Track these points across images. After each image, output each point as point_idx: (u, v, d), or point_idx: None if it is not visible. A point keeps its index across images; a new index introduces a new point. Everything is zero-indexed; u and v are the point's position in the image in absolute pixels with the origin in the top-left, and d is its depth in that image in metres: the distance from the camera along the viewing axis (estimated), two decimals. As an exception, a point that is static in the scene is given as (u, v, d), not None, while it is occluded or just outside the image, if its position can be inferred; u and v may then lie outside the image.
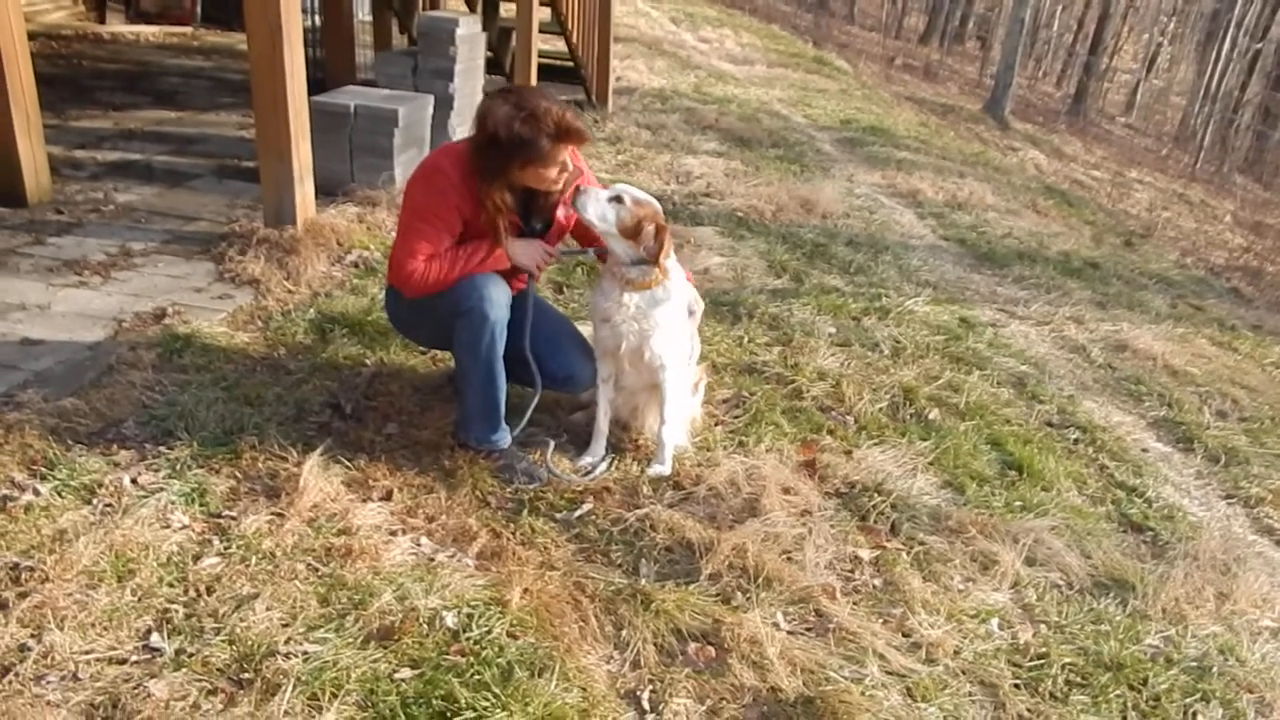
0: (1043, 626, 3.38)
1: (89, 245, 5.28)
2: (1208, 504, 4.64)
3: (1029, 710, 2.99)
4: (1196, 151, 27.16)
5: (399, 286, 3.61)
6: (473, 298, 3.48)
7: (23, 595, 2.75)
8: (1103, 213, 12.66)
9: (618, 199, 3.59)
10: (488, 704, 2.59)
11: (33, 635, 2.65)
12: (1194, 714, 3.12)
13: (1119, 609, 3.55)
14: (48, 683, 2.52)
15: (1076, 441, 4.86)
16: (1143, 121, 35.48)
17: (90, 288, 4.81)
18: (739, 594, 3.24)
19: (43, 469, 3.32)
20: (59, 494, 3.21)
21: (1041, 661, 3.19)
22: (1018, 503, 4.10)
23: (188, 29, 12.04)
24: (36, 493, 3.20)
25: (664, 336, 3.73)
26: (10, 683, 2.50)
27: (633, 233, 3.60)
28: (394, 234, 3.91)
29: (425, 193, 3.53)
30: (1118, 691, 3.12)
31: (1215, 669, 3.34)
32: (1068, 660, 3.21)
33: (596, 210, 3.58)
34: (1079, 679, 3.16)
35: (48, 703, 2.46)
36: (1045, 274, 7.78)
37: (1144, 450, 5.02)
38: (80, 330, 4.37)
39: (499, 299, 3.50)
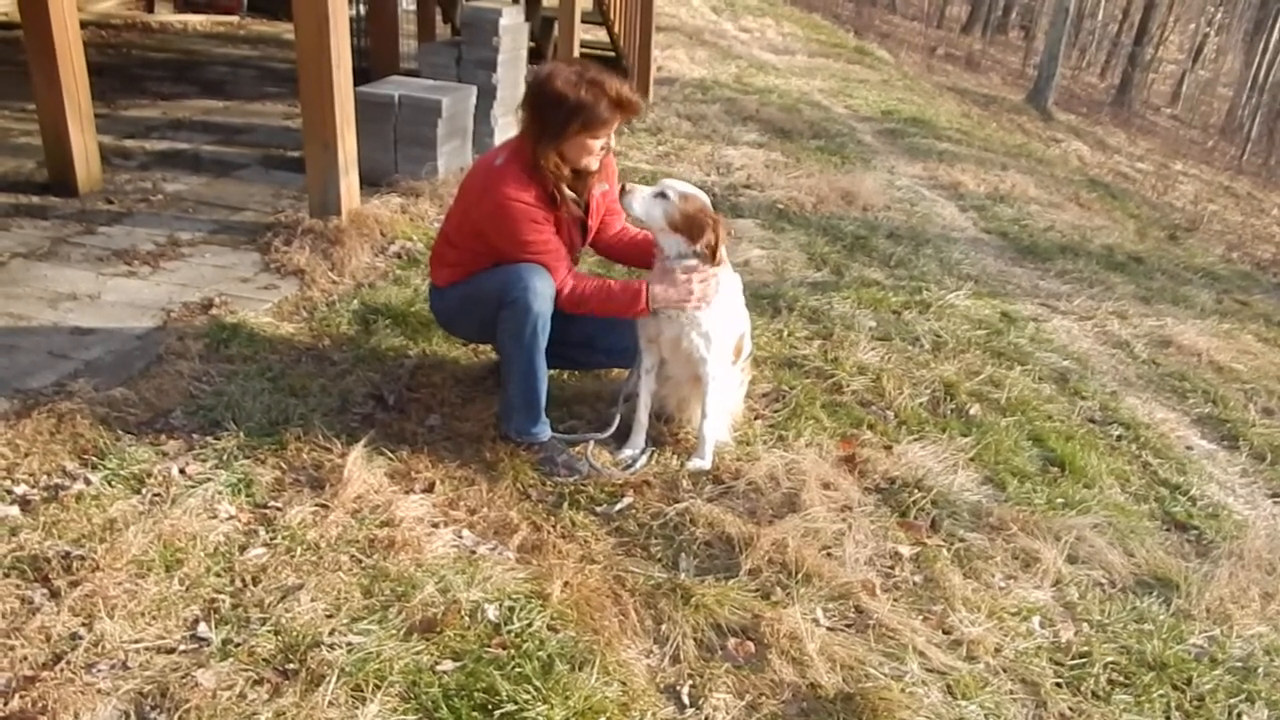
0: (1085, 625, 3.35)
1: (138, 235, 5.36)
2: (1253, 502, 4.58)
3: (1071, 709, 2.97)
4: (1243, 144, 26.82)
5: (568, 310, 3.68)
6: (518, 288, 3.50)
7: (74, 584, 2.80)
8: (1147, 206, 12.52)
9: (662, 194, 3.59)
10: (529, 697, 2.61)
11: (84, 624, 2.69)
12: (1239, 715, 3.09)
13: (1162, 608, 3.51)
14: (98, 671, 2.57)
15: (1119, 438, 4.81)
16: (1188, 113, 35.05)
17: (139, 277, 4.88)
18: (778, 589, 3.23)
19: (93, 458, 3.38)
20: (109, 483, 3.26)
21: (1083, 660, 3.17)
22: (1059, 500, 4.06)
23: (235, 18, 12.15)
24: (87, 482, 3.26)
25: (704, 329, 3.72)
26: (62, 670, 2.54)
27: (681, 226, 3.60)
28: (440, 228, 3.92)
29: (516, 224, 3.54)
30: (1161, 691, 3.10)
31: (1261, 669, 3.30)
32: (1110, 659, 3.19)
33: (643, 207, 3.59)
34: (1122, 678, 3.13)
35: (98, 691, 2.50)
36: (1088, 268, 7.68)
37: (1188, 447, 4.95)
38: (129, 320, 4.44)
39: (545, 291, 3.52)
